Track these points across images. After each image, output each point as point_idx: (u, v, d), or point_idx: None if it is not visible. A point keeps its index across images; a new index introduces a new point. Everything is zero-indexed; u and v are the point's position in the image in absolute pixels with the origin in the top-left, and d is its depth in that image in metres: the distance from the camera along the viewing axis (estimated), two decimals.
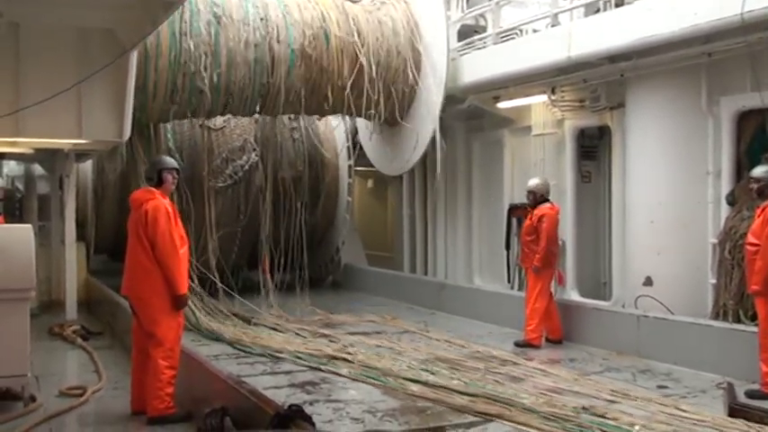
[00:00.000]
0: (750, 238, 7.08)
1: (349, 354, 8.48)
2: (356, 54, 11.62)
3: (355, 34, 11.65)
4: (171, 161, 6.69)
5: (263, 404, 5.19)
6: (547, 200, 9.50)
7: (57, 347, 9.46)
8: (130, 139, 11.42)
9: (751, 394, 6.82)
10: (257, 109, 11.58)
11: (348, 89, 11.64)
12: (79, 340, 9.49)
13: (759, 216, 7.05)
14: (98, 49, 7.82)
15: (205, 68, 10.63)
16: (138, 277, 6.29)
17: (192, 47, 10.51)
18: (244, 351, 8.87)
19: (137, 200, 6.43)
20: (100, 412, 6.66)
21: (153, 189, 6.47)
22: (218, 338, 9.57)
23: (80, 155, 11.51)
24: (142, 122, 11.20)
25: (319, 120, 13.79)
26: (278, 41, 11.10)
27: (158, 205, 6.27)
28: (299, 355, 8.53)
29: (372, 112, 12.05)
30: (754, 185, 7.22)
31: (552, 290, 9.62)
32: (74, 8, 7.06)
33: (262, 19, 11.06)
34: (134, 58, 8.35)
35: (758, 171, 7.29)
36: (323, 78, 11.51)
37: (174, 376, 6.22)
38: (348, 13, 11.85)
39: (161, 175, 6.51)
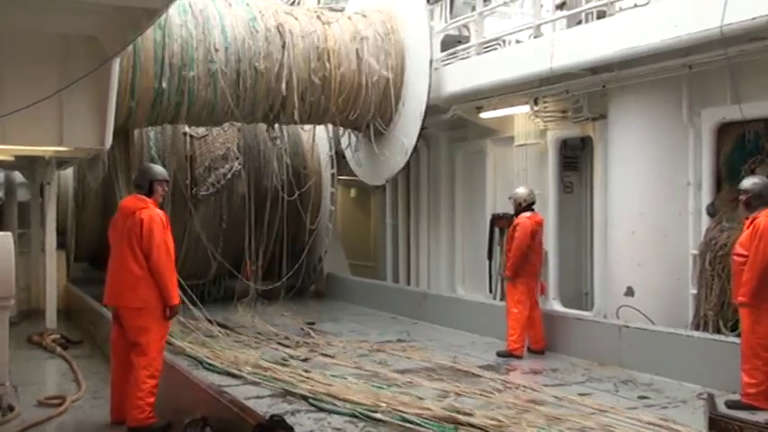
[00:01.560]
0: (738, 249, 7.09)
1: (463, 414, 6.50)
2: (338, 70, 11.65)
3: (339, 52, 11.65)
4: (163, 172, 6.65)
5: (245, 414, 5.15)
6: (529, 209, 9.53)
7: (36, 356, 9.37)
8: (113, 146, 11.44)
9: (731, 405, 6.86)
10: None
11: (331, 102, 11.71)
12: (59, 349, 9.40)
13: (748, 227, 7.05)
14: (80, 56, 7.76)
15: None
16: (127, 287, 6.20)
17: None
18: (324, 410, 6.83)
19: (128, 208, 6.37)
20: (79, 422, 6.60)
21: (144, 197, 6.42)
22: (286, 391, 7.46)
23: (61, 162, 11.44)
24: (129, 128, 11.19)
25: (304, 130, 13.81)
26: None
27: (153, 215, 6.26)
28: (408, 417, 6.46)
29: (357, 122, 12.12)
30: (743, 197, 7.23)
31: (538, 300, 9.64)
32: (56, 14, 7.01)
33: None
34: (116, 65, 8.30)
35: (747, 182, 7.30)
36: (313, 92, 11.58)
37: (156, 386, 6.18)
38: (331, 29, 11.83)
39: (152, 186, 6.47)
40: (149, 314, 6.19)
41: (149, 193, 6.45)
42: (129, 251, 6.17)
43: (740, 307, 7.03)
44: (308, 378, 7.79)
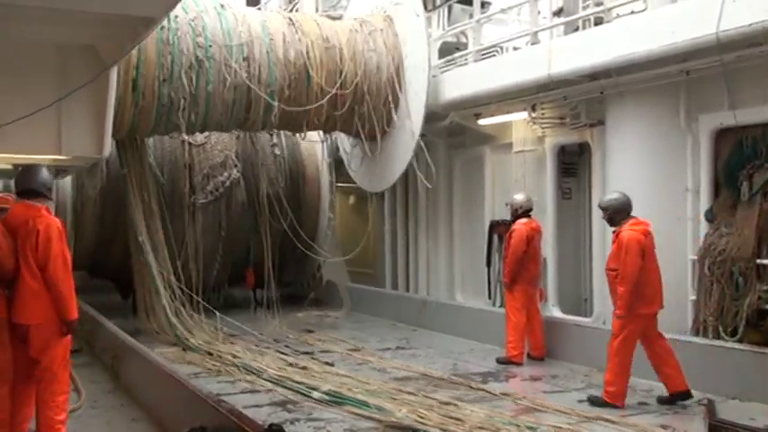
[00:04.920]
0: (609, 264, 7.44)
1: None
2: (337, 76, 11.65)
3: (338, 59, 11.67)
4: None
5: (244, 424, 5.14)
6: (526, 215, 9.54)
7: None
8: (120, 153, 11.49)
9: (594, 400, 7.32)
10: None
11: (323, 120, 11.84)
12: None
13: (614, 242, 7.41)
14: (78, 65, 7.74)
15: (183, 109, 10.63)
16: (31, 302, 5.80)
17: (172, 93, 10.51)
18: None
19: (19, 217, 5.87)
20: (77, 431, 6.57)
21: (36, 205, 5.97)
22: None
23: (59, 171, 11.43)
24: (132, 138, 11.28)
25: (303, 138, 13.81)
26: (258, 82, 11.06)
27: (51, 223, 5.87)
28: None
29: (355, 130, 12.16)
30: (604, 215, 7.69)
31: (539, 307, 9.64)
32: (53, 24, 7.01)
33: (245, 59, 11.00)
34: (114, 74, 8.31)
35: (604, 201, 7.80)
36: (300, 115, 11.57)
37: (66, 401, 5.99)
38: (330, 36, 11.85)
39: (45, 192, 6.11)
40: (53, 330, 5.86)
41: (42, 197, 6.06)
42: (24, 264, 5.76)
43: (617, 318, 7.37)
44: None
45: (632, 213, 7.63)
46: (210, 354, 9.47)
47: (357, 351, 10.07)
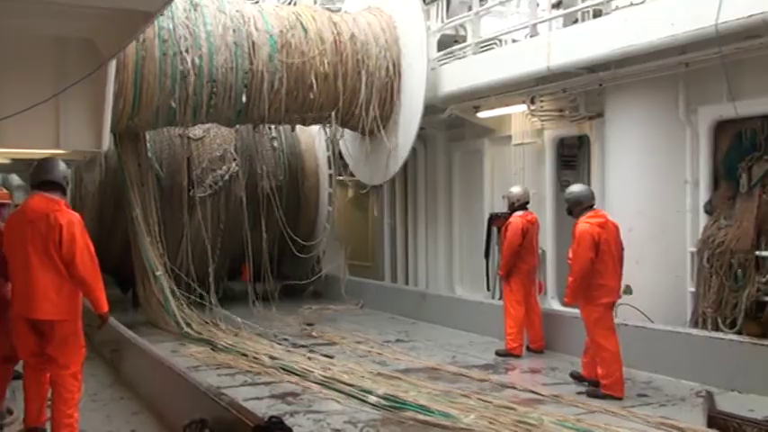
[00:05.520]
0: (570, 254, 7.57)
1: None
2: (333, 27, 11.77)
3: (327, 15, 11.87)
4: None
5: (243, 416, 5.14)
6: (523, 208, 9.55)
7: None
8: (118, 146, 11.46)
9: (591, 393, 7.38)
10: (243, 100, 11.23)
11: (331, 76, 11.70)
12: None
13: (573, 234, 7.55)
14: (76, 59, 7.73)
15: (186, 50, 10.56)
16: (52, 298, 5.70)
17: (171, 27, 10.46)
18: None
19: (38, 210, 5.74)
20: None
21: (56, 198, 5.85)
22: None
23: None
24: (131, 131, 11.23)
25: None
26: (256, 29, 11.13)
27: (73, 219, 5.78)
28: None
29: (354, 123, 12.13)
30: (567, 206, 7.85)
31: (537, 299, 9.66)
32: (51, 18, 7.01)
33: (237, 11, 11.13)
34: (113, 67, 8.30)
35: (566, 193, 7.94)
36: (305, 66, 11.48)
37: (79, 400, 5.93)
38: (328, 20, 11.87)
39: (64, 186, 6.00)
40: (74, 327, 5.82)
41: (60, 191, 5.93)
42: (48, 259, 5.67)
43: (567, 305, 7.85)
44: None
45: (595, 205, 7.79)
46: (245, 354, 9.08)
47: (368, 345, 10.03)
